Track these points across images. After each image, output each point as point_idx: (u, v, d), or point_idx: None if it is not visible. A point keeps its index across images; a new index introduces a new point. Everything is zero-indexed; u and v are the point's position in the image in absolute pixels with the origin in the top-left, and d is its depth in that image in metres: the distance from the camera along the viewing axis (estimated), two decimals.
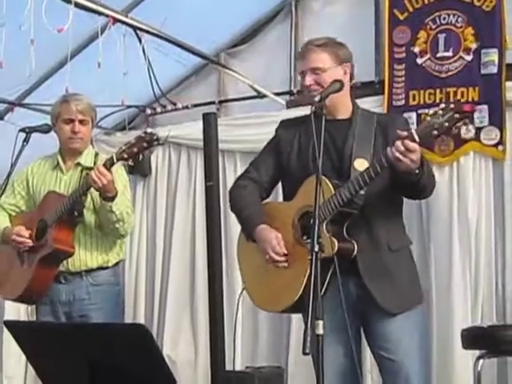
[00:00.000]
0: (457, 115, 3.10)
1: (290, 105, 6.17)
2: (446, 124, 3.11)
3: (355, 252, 3.45)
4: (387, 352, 3.54)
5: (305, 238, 3.49)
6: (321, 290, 3.17)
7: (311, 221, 3.13)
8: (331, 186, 3.43)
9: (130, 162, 4.13)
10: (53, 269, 4.37)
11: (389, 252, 3.53)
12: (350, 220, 3.46)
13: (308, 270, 3.03)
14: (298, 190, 3.60)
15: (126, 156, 4.06)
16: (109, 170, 4.10)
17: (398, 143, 3.22)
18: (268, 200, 3.89)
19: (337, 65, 3.60)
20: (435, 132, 3.14)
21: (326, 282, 3.33)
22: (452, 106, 3.12)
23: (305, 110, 3.50)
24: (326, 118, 3.44)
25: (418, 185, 3.39)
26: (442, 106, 3.16)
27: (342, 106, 3.66)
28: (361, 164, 3.47)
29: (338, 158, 3.56)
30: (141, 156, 4.08)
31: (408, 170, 3.28)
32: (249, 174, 3.86)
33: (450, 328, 5.27)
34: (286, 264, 3.53)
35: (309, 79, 3.58)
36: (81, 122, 4.45)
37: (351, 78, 3.71)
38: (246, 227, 3.74)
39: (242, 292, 3.79)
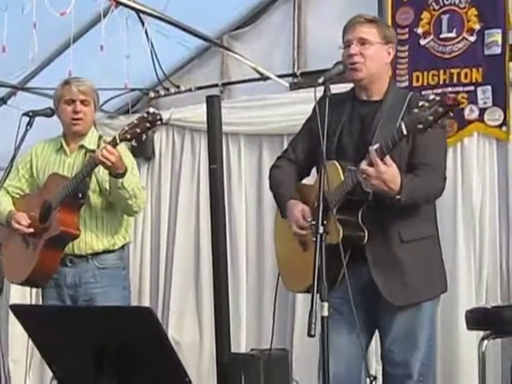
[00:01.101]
0: (440, 109, 3.05)
1: (293, 87, 6.16)
2: (431, 118, 3.07)
3: (365, 240, 3.41)
4: (391, 344, 3.53)
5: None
6: (337, 277, 3.23)
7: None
8: (341, 172, 3.41)
9: (134, 143, 4.12)
10: (58, 251, 4.36)
11: (400, 243, 3.47)
12: (363, 208, 3.42)
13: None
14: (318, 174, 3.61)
15: (129, 137, 4.04)
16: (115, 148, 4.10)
17: (363, 167, 3.24)
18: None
19: (383, 44, 3.58)
20: (420, 126, 3.10)
21: (343, 270, 3.26)
22: (437, 98, 3.08)
23: (310, 92, 3.46)
24: (361, 99, 3.54)
25: (397, 206, 3.37)
26: (432, 97, 3.12)
27: (379, 87, 3.61)
28: None
29: (362, 142, 3.50)
30: (144, 136, 4.04)
31: (382, 193, 3.30)
32: (286, 154, 3.87)
33: (454, 309, 5.27)
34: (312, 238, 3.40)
35: (355, 48, 3.53)
36: (82, 102, 4.43)
37: (392, 60, 3.71)
38: (279, 204, 3.76)
39: (279, 274, 3.80)
